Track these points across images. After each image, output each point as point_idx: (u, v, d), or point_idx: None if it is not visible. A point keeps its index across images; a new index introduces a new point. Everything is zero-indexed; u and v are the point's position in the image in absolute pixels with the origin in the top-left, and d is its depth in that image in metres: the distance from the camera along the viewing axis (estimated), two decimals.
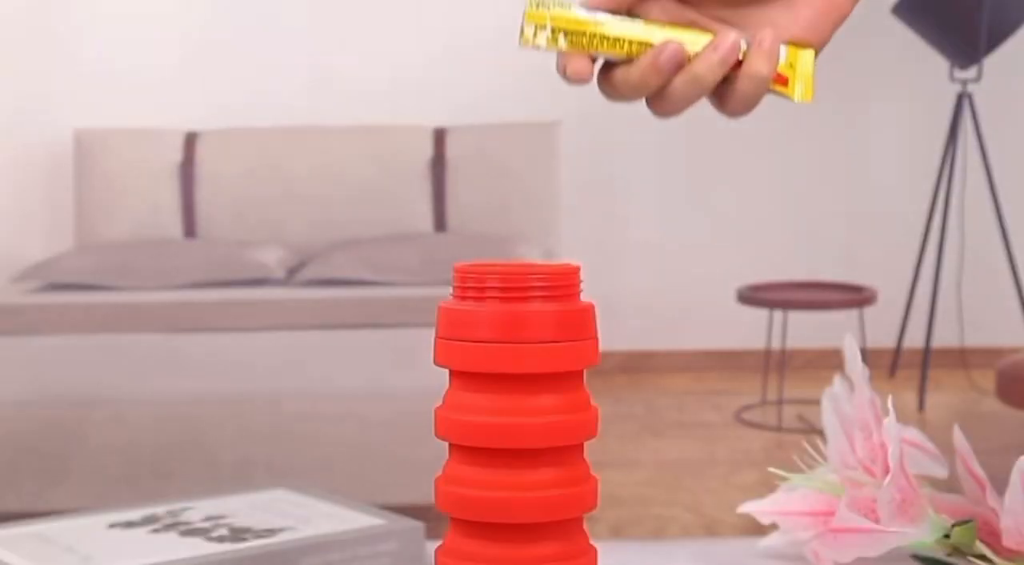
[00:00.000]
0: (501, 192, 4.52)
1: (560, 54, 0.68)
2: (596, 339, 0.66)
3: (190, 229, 4.51)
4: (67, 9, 4.75)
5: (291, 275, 4.21)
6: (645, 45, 0.68)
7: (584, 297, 5.18)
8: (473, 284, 0.65)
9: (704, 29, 0.71)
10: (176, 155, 4.54)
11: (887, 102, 4.99)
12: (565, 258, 4.79)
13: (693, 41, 0.69)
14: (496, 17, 4.82)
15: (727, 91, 0.69)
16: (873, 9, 4.83)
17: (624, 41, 0.68)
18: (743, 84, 0.69)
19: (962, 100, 4.52)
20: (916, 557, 0.83)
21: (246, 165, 4.53)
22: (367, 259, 4.04)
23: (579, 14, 0.68)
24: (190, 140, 4.57)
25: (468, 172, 4.53)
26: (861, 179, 5.02)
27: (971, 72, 4.49)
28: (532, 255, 4.09)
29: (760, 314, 4.88)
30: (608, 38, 0.68)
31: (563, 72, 0.68)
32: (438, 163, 4.54)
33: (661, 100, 0.69)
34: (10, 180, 4.78)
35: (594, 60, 0.69)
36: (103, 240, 4.48)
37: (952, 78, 4.49)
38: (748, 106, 0.69)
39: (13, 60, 4.74)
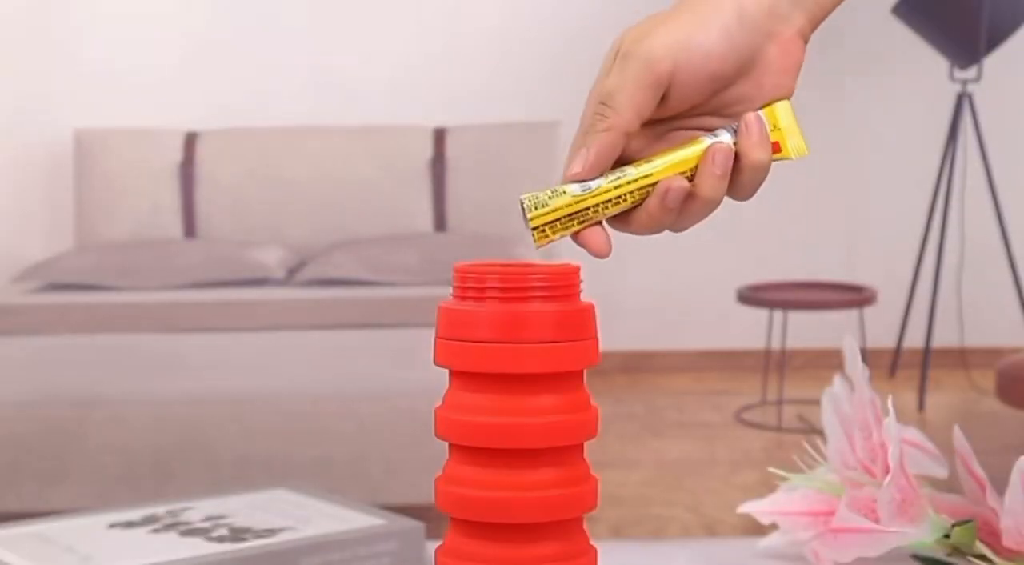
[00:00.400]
0: (501, 192, 4.52)
1: (574, 235, 0.69)
2: (596, 339, 0.66)
3: (190, 229, 4.51)
4: (67, 9, 4.75)
5: (291, 275, 4.21)
6: (646, 188, 0.68)
7: (584, 297, 5.18)
8: (473, 284, 0.65)
9: (686, 130, 0.71)
10: (176, 155, 4.54)
11: (887, 102, 4.98)
12: (565, 258, 4.79)
13: (685, 159, 0.69)
14: (496, 17, 4.82)
15: (734, 183, 0.70)
16: (873, 9, 4.83)
17: (626, 195, 0.68)
18: (747, 176, 0.69)
19: (962, 100, 4.52)
20: (916, 557, 0.83)
21: (246, 165, 4.53)
22: (367, 259, 4.04)
23: (574, 193, 0.68)
24: (190, 140, 4.57)
25: (468, 172, 4.53)
26: (861, 179, 5.02)
27: (971, 72, 4.49)
28: (532, 255, 4.09)
29: (760, 314, 4.88)
30: (611, 201, 0.68)
31: (581, 246, 0.69)
32: (438, 163, 4.54)
33: (679, 224, 0.70)
34: (10, 180, 4.78)
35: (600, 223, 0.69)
36: (103, 240, 4.48)
37: (952, 78, 4.49)
38: (756, 188, 0.70)
39: (13, 60, 4.74)
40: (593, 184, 0.68)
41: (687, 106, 0.70)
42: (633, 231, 0.70)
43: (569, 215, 0.68)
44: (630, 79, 0.67)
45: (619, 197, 0.68)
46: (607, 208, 0.68)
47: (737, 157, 0.69)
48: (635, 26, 0.69)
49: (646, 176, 0.68)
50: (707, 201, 0.69)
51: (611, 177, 0.68)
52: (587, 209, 0.68)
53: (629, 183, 0.68)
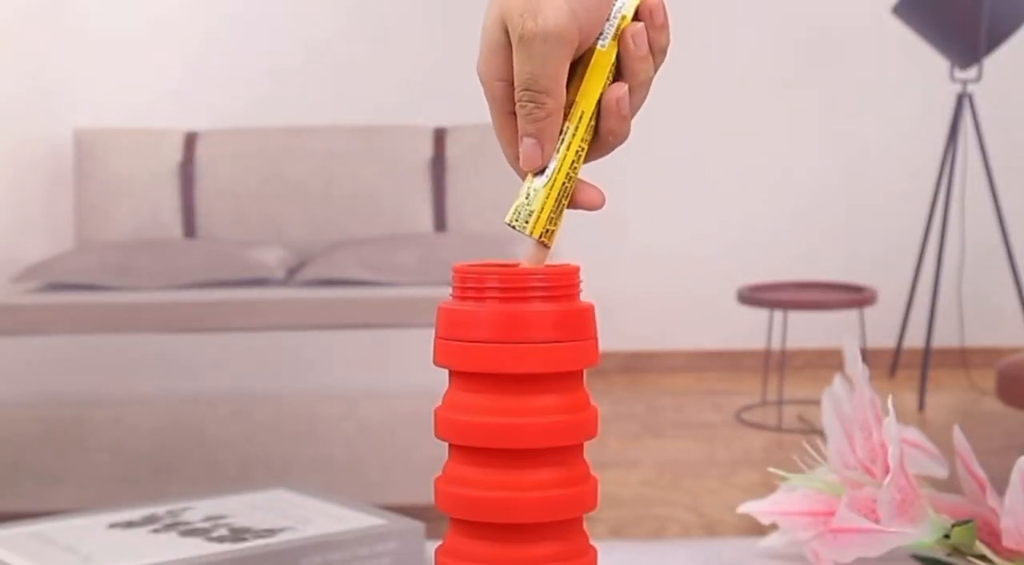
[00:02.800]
0: (501, 192, 4.52)
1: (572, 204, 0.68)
2: (596, 339, 0.66)
3: (190, 229, 4.51)
4: (67, 10, 4.75)
5: (291, 275, 4.21)
6: (589, 123, 0.67)
7: (584, 297, 5.17)
8: (473, 284, 0.65)
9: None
10: (176, 155, 4.54)
11: (887, 102, 4.98)
12: (565, 258, 4.79)
13: (600, 68, 0.67)
14: None
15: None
16: (873, 9, 4.83)
17: (581, 145, 0.67)
18: (658, 38, 0.68)
19: (962, 100, 4.52)
20: (916, 557, 0.83)
21: (246, 165, 4.53)
22: (367, 259, 4.04)
23: (544, 183, 0.67)
24: (190, 140, 4.57)
25: (468, 172, 4.53)
26: (861, 179, 5.02)
27: (971, 72, 4.49)
28: None
29: (760, 314, 4.88)
30: (575, 160, 0.67)
31: (579, 208, 0.69)
32: (438, 163, 4.54)
33: (633, 116, 0.69)
34: (10, 180, 4.78)
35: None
36: (103, 240, 4.48)
37: (952, 78, 4.49)
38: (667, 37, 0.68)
39: (13, 60, 4.74)
40: (551, 164, 0.67)
41: (592, 41, 0.68)
42: (607, 153, 0.69)
43: (555, 202, 0.67)
44: (550, 62, 0.65)
45: (578, 151, 0.67)
46: (576, 167, 0.68)
47: (637, 16, 0.67)
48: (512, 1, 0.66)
49: (582, 114, 0.67)
50: (646, 82, 0.68)
51: (557, 144, 0.67)
52: (563, 184, 0.67)
53: (575, 134, 0.67)
